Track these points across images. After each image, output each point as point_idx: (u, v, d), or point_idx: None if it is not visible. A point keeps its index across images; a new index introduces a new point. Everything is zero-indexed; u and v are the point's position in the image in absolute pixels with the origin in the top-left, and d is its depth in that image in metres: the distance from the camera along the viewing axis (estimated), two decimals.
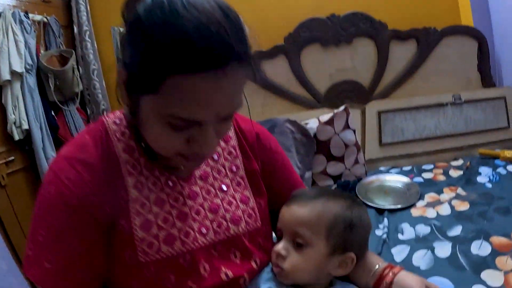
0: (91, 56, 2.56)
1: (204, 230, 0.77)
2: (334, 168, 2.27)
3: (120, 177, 0.72)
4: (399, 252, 1.61)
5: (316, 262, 0.78)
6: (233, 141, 0.87)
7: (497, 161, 2.36)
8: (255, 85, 2.40)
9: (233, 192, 0.84)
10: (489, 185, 2.10)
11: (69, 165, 0.69)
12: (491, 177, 2.18)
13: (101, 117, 0.78)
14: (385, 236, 1.69)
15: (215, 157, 0.84)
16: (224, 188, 0.83)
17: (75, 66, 2.45)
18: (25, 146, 2.13)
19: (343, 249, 0.80)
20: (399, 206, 1.93)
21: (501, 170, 2.25)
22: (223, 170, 0.84)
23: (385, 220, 1.83)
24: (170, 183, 0.77)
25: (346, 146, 2.25)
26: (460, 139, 2.55)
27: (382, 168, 2.42)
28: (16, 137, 2.03)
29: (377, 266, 0.84)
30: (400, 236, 1.72)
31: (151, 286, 0.72)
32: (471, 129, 2.56)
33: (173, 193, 0.77)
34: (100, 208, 0.69)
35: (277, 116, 2.35)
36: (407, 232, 1.74)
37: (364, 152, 2.43)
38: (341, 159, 2.26)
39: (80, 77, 2.51)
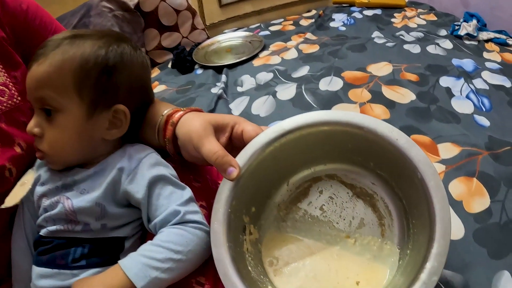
0: None
1: None
2: (169, 39, 1.89)
3: None
4: (237, 105, 1.33)
5: (74, 130, 0.58)
6: None
7: (352, 8, 2.16)
8: None
9: None
10: (343, 28, 1.89)
11: None
12: (346, 21, 1.97)
13: None
14: (220, 91, 1.38)
15: None
16: None
17: None
18: None
19: (106, 102, 0.59)
20: (238, 60, 1.62)
21: (356, 14, 2.06)
22: None
23: (223, 77, 1.51)
24: None
25: (177, 12, 1.87)
26: None
27: (227, 31, 2.08)
28: None
29: (161, 117, 0.63)
30: (239, 89, 1.42)
31: None
32: None
33: None
34: None
35: None
36: (247, 83, 1.45)
37: (204, 18, 2.07)
38: (175, 28, 1.89)
39: None
